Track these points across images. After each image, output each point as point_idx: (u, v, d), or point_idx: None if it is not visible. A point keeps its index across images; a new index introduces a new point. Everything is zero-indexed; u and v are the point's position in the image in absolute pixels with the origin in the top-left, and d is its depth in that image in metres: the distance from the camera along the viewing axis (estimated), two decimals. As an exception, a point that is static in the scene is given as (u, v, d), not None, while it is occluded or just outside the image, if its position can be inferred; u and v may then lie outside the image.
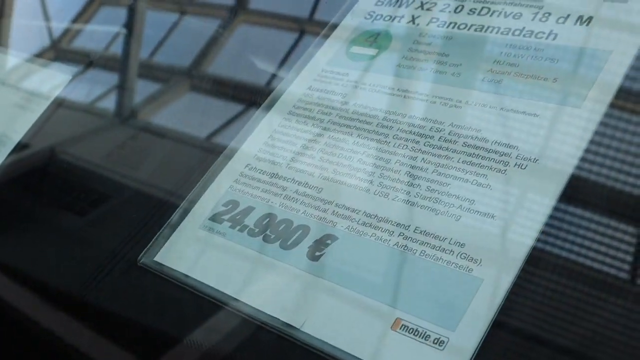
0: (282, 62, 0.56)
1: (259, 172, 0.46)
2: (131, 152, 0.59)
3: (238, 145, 0.48)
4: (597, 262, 0.34)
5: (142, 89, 0.71)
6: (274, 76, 0.55)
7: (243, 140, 0.49)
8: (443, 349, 0.33)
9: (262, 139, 0.48)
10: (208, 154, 0.52)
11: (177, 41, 0.79)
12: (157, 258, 0.44)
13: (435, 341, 0.33)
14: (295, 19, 0.60)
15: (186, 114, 0.63)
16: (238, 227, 0.43)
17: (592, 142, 0.38)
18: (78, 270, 0.48)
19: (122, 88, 0.71)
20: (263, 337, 0.37)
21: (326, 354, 0.35)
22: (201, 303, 0.40)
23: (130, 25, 0.78)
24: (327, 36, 0.52)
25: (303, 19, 0.60)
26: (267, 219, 0.42)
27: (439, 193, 0.39)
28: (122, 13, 0.83)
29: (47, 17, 0.90)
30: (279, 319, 0.37)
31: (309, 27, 0.58)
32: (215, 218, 0.44)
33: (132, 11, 0.81)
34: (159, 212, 0.48)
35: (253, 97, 0.53)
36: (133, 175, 0.55)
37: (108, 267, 0.47)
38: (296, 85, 0.50)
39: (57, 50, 0.81)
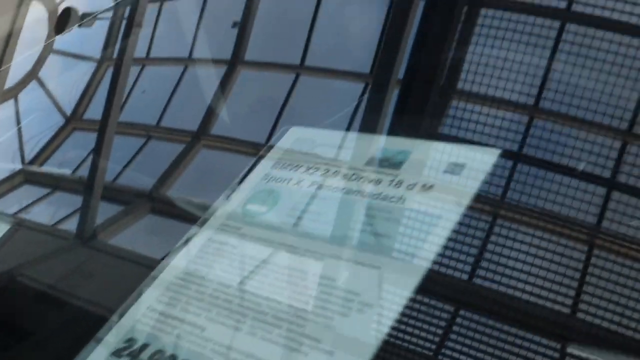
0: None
1: (157, 313, 0.53)
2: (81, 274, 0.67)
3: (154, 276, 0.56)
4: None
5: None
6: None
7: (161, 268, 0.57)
8: None
9: (167, 279, 0.56)
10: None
11: (143, 164, 0.89)
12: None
13: None
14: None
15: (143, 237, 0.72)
16: (133, 362, 0.50)
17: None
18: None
19: (86, 208, 0.79)
20: None
21: None
22: None
23: (98, 149, 0.87)
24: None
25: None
26: (158, 355, 0.50)
27: (294, 334, 0.47)
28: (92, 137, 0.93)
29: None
30: None
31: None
32: (116, 354, 0.52)
33: (101, 135, 0.92)
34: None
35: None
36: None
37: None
38: (205, 230, 0.59)
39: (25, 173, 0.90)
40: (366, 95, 0.68)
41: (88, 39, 1.14)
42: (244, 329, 0.49)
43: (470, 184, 0.52)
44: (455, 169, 0.53)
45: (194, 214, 0.69)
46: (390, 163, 0.56)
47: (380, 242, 0.50)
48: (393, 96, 0.67)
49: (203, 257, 0.56)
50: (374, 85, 0.71)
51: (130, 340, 0.52)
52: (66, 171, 0.87)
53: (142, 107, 1.02)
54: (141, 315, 0.54)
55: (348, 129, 0.66)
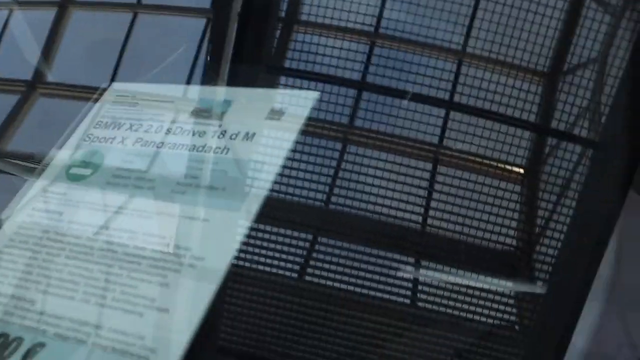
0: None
1: (-15, 292, 0.51)
2: None
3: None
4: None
5: None
6: None
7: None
8: None
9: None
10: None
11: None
12: None
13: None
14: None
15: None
16: (-38, 345, 0.48)
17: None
18: None
19: None
20: None
21: None
22: None
23: None
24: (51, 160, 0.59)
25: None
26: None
27: (128, 295, 0.47)
28: None
29: None
30: None
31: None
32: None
33: None
34: None
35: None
36: None
37: None
38: (20, 206, 0.56)
39: None
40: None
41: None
42: (77, 297, 0.48)
43: (291, 127, 0.53)
44: (275, 115, 0.54)
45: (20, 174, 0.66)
46: (212, 113, 0.57)
47: (208, 194, 0.51)
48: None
49: (25, 229, 0.54)
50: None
51: (-44, 324, 0.50)
52: None
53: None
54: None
55: (176, 79, 0.65)
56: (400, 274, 0.49)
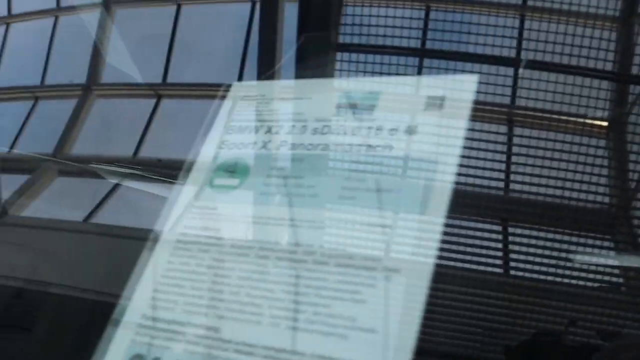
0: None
1: (156, 321, 0.49)
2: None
3: (129, 293, 0.51)
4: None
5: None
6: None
7: (132, 286, 0.52)
8: None
9: (152, 282, 0.51)
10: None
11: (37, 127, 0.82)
12: None
13: None
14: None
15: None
16: (149, 382, 0.46)
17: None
18: None
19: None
20: None
21: None
22: None
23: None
24: (188, 169, 0.56)
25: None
26: (177, 369, 0.46)
27: (323, 316, 0.44)
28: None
29: None
30: None
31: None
32: (124, 377, 0.47)
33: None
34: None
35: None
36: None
37: None
38: (171, 225, 0.53)
39: None
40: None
41: None
42: (263, 321, 0.46)
43: (455, 115, 0.49)
44: (434, 104, 0.51)
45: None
46: (360, 108, 0.53)
47: (382, 197, 0.48)
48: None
49: (183, 250, 0.51)
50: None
51: (136, 357, 0.47)
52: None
53: (18, 67, 0.93)
54: (137, 328, 0.49)
55: (290, 75, 0.61)
56: (596, 259, 0.46)
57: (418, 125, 0.50)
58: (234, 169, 0.54)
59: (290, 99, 0.57)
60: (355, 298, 0.44)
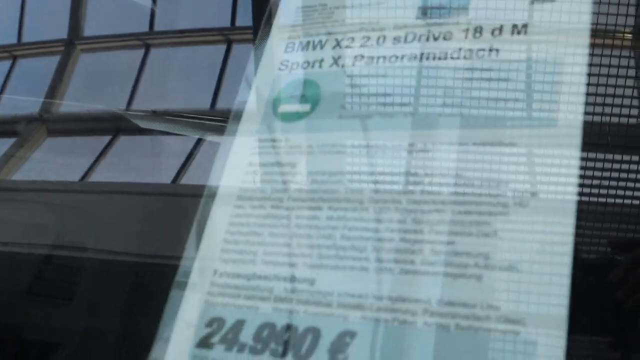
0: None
1: (233, 277, 0.41)
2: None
3: (192, 249, 0.43)
4: None
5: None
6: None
7: (194, 240, 0.43)
8: None
9: (219, 236, 0.43)
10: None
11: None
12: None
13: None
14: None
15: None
16: (236, 348, 0.38)
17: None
18: None
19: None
20: None
21: None
22: None
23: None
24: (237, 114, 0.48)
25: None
26: (266, 330, 0.38)
27: (445, 255, 0.36)
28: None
29: None
30: None
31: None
32: (203, 344, 0.39)
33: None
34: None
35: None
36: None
37: None
38: (232, 167, 0.45)
39: None
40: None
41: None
42: (370, 267, 0.38)
43: (575, 9, 0.41)
44: (544, -5, 0.42)
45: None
46: (451, 9, 0.44)
47: (496, 112, 0.40)
48: None
49: (263, 192, 0.43)
50: None
51: (214, 322, 0.39)
52: None
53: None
54: (210, 287, 0.41)
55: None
56: None
57: (528, 21, 0.42)
58: (302, 93, 0.46)
59: (359, 6, 0.48)
60: (485, 231, 0.36)
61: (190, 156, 0.54)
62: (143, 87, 0.69)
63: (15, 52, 0.82)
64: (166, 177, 0.55)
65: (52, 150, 0.66)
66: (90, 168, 0.59)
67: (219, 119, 0.51)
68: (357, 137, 0.42)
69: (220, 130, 0.49)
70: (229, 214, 0.43)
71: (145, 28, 0.74)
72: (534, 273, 0.34)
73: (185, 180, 0.53)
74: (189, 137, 0.55)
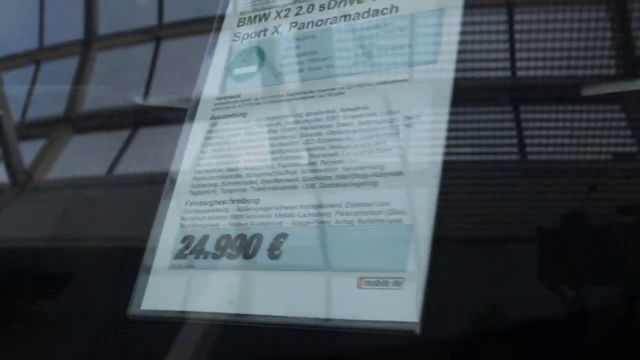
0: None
1: (200, 204, 0.52)
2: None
3: (172, 180, 0.54)
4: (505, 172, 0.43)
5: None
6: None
7: (174, 173, 0.55)
8: (401, 287, 0.41)
9: (190, 175, 0.54)
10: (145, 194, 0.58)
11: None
12: (144, 307, 0.50)
13: (394, 283, 0.42)
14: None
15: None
16: (202, 256, 0.49)
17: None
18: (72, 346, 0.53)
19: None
20: (268, 334, 0.44)
21: (320, 327, 0.43)
22: (204, 328, 0.46)
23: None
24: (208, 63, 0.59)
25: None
26: (223, 240, 0.49)
27: (354, 169, 0.47)
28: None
29: None
30: (273, 315, 0.44)
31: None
32: (178, 255, 0.51)
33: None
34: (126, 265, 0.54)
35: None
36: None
37: (100, 330, 0.52)
38: (199, 120, 0.56)
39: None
40: None
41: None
42: (299, 185, 0.49)
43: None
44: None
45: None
46: (363, -22, 0.54)
47: (394, 56, 0.50)
48: None
49: (220, 138, 0.54)
50: None
51: (186, 239, 0.51)
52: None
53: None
54: (183, 214, 0.52)
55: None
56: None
57: (419, -18, 0.52)
58: (250, 57, 0.57)
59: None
60: (381, 148, 0.47)
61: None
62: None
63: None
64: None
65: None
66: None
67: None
68: (291, 88, 0.53)
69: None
70: (196, 157, 0.54)
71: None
72: (414, 178, 0.45)
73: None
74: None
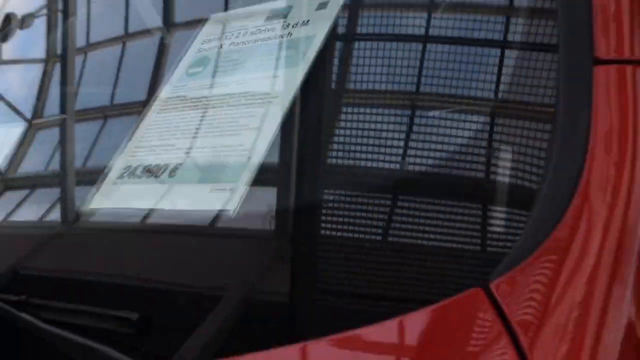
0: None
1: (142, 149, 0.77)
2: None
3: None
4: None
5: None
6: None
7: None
8: (234, 191, 0.64)
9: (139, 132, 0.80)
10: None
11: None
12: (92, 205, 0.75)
13: (230, 190, 0.65)
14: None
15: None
16: (132, 180, 0.74)
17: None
18: None
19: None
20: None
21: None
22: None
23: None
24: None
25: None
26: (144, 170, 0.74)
27: (233, 127, 0.71)
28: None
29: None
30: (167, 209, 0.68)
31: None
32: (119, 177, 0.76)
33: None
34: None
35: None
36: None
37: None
38: (162, 97, 0.82)
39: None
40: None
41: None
42: (198, 136, 0.73)
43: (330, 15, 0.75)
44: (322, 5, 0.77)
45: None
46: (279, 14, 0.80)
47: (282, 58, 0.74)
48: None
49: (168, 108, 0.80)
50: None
51: (127, 167, 0.76)
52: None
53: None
54: (129, 154, 0.78)
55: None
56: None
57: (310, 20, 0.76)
58: (201, 63, 0.83)
59: (243, 18, 0.85)
60: (251, 113, 0.71)
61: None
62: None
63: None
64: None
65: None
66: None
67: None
68: (221, 82, 0.79)
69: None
70: (150, 122, 0.80)
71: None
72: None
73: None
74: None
